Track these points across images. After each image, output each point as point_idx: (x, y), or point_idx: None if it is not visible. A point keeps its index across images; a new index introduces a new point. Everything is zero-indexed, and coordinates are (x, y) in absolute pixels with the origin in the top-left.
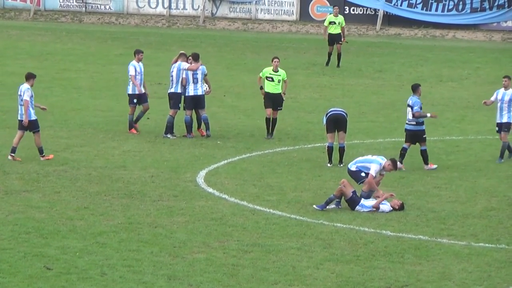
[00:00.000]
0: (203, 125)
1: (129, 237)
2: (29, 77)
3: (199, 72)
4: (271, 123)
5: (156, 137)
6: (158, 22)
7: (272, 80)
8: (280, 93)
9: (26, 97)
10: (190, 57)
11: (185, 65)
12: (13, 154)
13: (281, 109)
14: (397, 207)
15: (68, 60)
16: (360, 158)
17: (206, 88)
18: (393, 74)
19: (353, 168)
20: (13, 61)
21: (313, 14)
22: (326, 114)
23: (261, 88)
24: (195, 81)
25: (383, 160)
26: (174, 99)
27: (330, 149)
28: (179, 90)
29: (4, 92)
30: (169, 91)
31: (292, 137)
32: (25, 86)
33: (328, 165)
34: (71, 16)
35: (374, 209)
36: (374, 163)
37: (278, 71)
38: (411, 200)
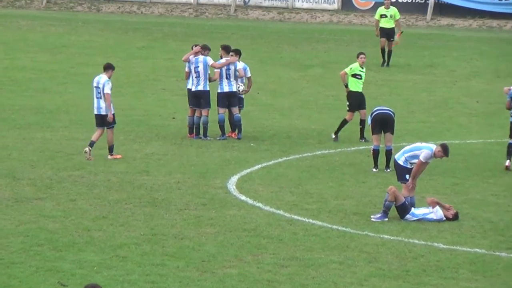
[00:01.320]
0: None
1: (152, 250)
2: (108, 67)
3: (232, 67)
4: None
5: (182, 139)
6: (185, 11)
7: (360, 78)
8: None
9: (108, 90)
10: (222, 51)
11: (210, 60)
12: (90, 148)
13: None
14: (450, 217)
15: (84, 54)
16: (408, 147)
17: (240, 87)
18: (445, 69)
19: (401, 161)
20: (23, 55)
21: (356, 3)
22: (371, 114)
23: (347, 86)
24: (228, 77)
25: (434, 147)
26: (203, 98)
27: (375, 153)
28: (207, 88)
29: (14, 89)
30: (196, 89)
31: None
32: (104, 78)
33: (374, 170)
34: (88, 5)
35: (431, 212)
36: (425, 149)
37: (363, 68)
38: (466, 209)
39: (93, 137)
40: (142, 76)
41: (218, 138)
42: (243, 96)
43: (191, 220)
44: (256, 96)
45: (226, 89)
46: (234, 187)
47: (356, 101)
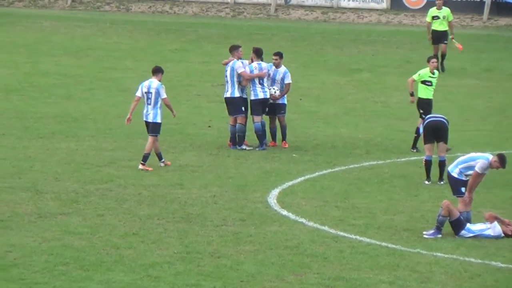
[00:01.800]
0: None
1: (187, 270)
2: (158, 71)
3: (256, 71)
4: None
5: (219, 149)
6: (221, 11)
7: (431, 85)
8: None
9: (164, 94)
10: (253, 54)
11: (238, 66)
12: (163, 160)
13: None
14: (510, 233)
15: (112, 57)
16: (462, 158)
17: (274, 91)
18: (503, 73)
19: (455, 174)
20: (46, 58)
21: (407, 2)
22: (423, 122)
23: (412, 94)
24: (262, 82)
25: (490, 157)
26: (232, 105)
27: (428, 164)
28: (236, 94)
29: (36, 96)
30: (225, 95)
31: (382, 148)
32: (155, 82)
33: (426, 182)
34: (116, 4)
35: (489, 228)
36: (481, 159)
37: (435, 73)
38: None
39: (153, 149)
40: (175, 81)
41: (257, 149)
42: (285, 101)
43: (228, 237)
44: (299, 103)
45: (260, 95)
46: (275, 201)
47: (430, 107)
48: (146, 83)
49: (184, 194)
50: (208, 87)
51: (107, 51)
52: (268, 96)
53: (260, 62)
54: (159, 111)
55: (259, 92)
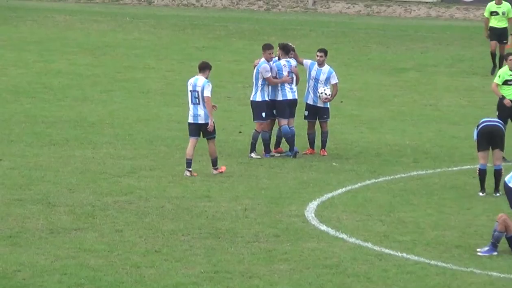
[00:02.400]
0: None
1: None
2: (205, 67)
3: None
4: None
5: (251, 157)
6: (253, 4)
7: None
8: None
9: (208, 93)
10: (280, 51)
11: (264, 70)
12: (190, 169)
13: None
14: None
15: (133, 55)
16: None
17: (324, 92)
18: None
19: None
20: (60, 57)
21: None
22: (478, 127)
23: (503, 97)
24: (291, 81)
25: None
26: (253, 109)
27: (482, 173)
28: (258, 98)
29: (49, 98)
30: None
31: (432, 156)
32: (202, 79)
33: (480, 194)
34: None
35: None
36: None
37: None
38: None
39: (188, 153)
40: None
41: (287, 154)
42: (328, 105)
43: (261, 254)
44: (340, 106)
45: (289, 96)
46: (313, 215)
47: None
48: (191, 81)
49: (212, 207)
50: (239, 88)
51: (127, 48)
52: (297, 97)
53: (289, 59)
54: (271, 94)
55: (288, 92)
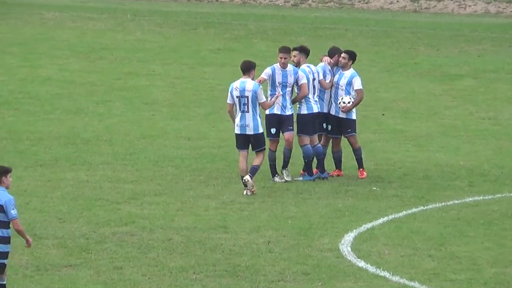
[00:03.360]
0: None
1: None
2: (250, 67)
3: (316, 76)
4: None
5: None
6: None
7: None
8: None
9: (263, 97)
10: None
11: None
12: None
13: None
14: None
15: (135, 59)
16: None
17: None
18: None
19: None
20: (48, 61)
21: None
22: None
23: None
24: (313, 91)
25: None
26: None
27: None
28: (274, 111)
29: (35, 110)
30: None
31: (490, 179)
32: (251, 83)
33: None
34: None
35: None
36: None
37: None
38: None
39: (242, 169)
40: (217, 91)
41: (300, 179)
42: (353, 116)
43: None
44: (381, 119)
45: (314, 109)
46: (349, 249)
47: None
48: (236, 85)
49: (228, 239)
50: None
51: (128, 51)
52: (321, 110)
53: (309, 64)
54: (259, 119)
55: (313, 104)
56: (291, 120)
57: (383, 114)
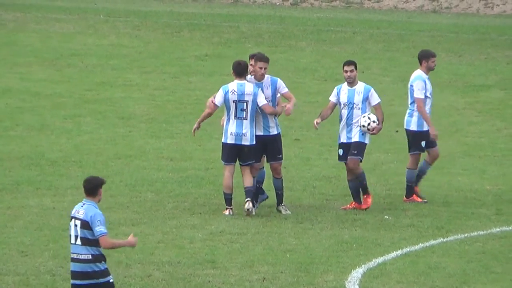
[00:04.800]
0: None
1: None
2: (244, 69)
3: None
4: None
5: (271, 208)
6: None
7: None
8: None
9: (264, 100)
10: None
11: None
12: (231, 207)
13: None
14: None
15: (109, 67)
16: None
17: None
18: None
19: None
20: (8, 69)
21: None
22: None
23: None
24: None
25: None
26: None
27: None
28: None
29: None
30: None
31: None
32: (250, 85)
33: None
34: None
35: None
36: None
37: None
38: None
39: (226, 186)
40: (204, 105)
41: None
42: (366, 140)
43: None
44: (394, 137)
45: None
46: (357, 287)
47: None
48: (233, 87)
49: (217, 276)
50: None
51: (101, 58)
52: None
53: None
54: (255, 128)
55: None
56: (278, 142)
57: (397, 131)
